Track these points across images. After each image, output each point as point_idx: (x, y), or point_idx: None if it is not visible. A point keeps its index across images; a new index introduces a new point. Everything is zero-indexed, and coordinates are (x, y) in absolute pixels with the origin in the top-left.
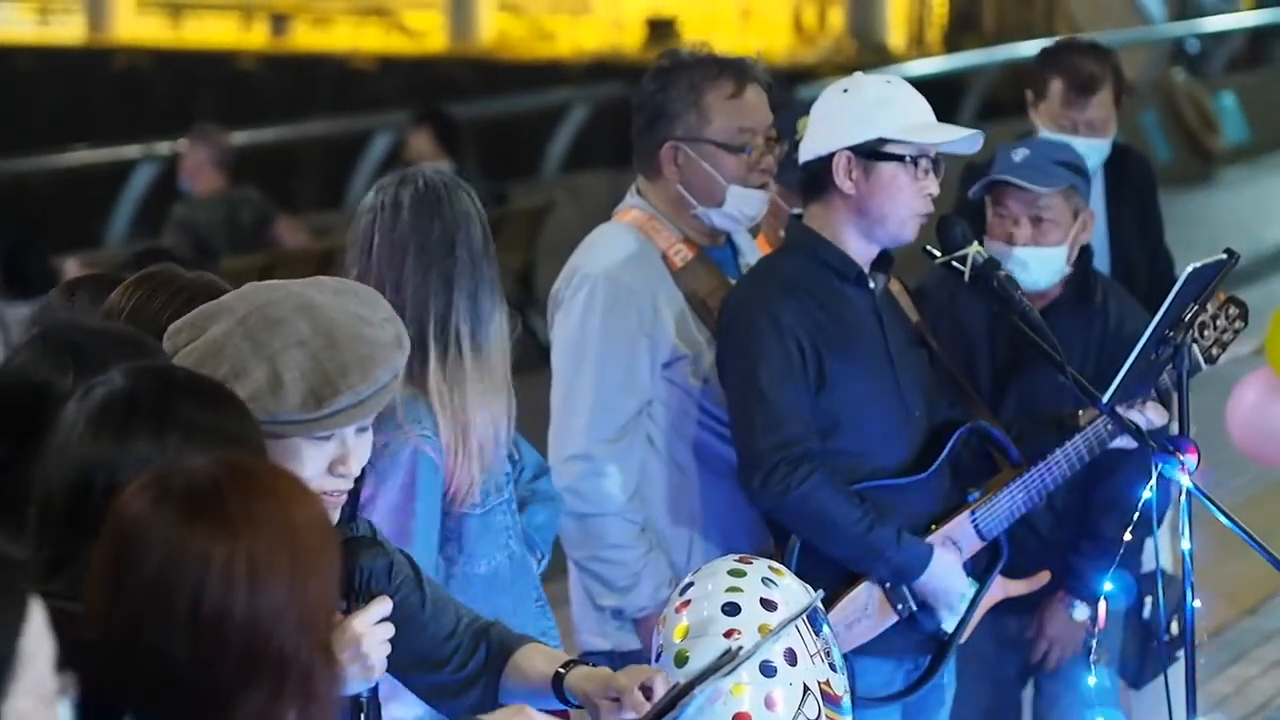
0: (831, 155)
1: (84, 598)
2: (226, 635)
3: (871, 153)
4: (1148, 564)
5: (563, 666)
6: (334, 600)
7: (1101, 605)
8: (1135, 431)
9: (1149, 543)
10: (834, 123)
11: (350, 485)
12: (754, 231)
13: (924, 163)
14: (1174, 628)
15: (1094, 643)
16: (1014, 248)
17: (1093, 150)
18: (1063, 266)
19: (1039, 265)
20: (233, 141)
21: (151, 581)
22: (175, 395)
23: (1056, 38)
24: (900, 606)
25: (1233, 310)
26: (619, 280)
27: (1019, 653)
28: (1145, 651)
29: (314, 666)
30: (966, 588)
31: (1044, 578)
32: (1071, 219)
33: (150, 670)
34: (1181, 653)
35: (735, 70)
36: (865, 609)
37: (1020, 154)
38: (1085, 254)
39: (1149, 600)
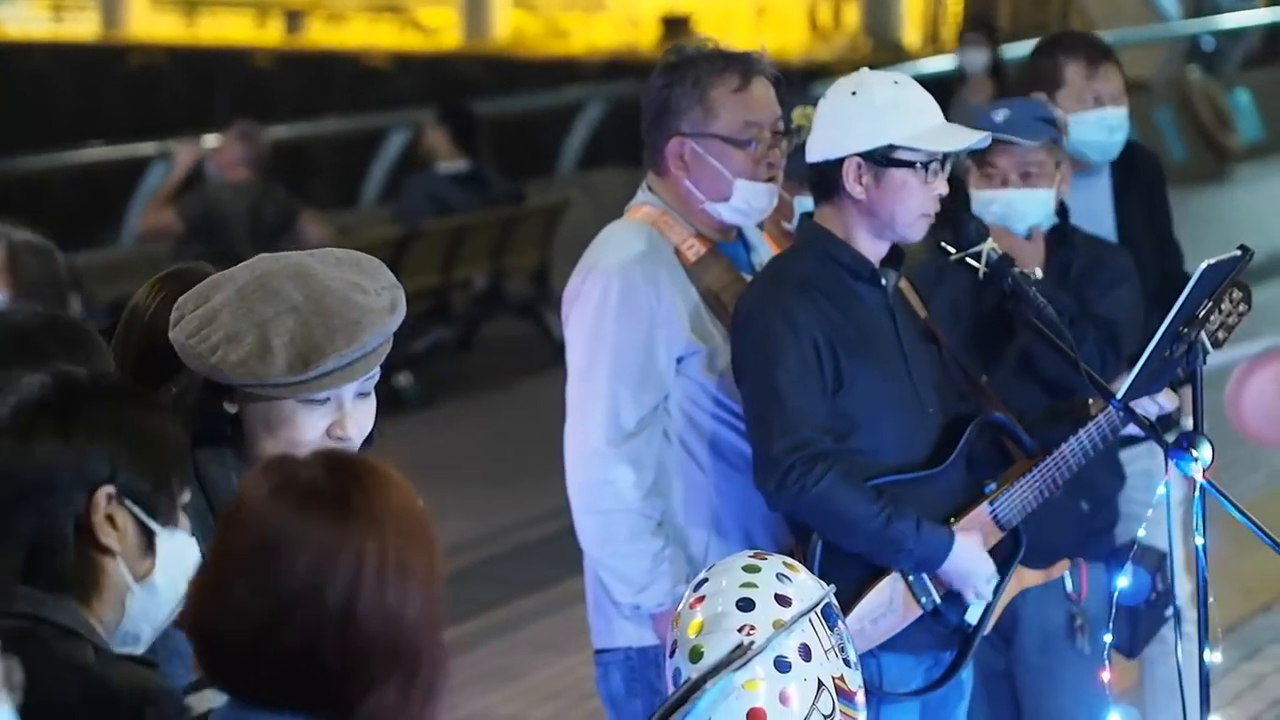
0: (841, 160)
1: (213, 600)
2: (377, 628)
3: (882, 159)
4: (1122, 537)
5: None
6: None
7: (1083, 574)
8: (1149, 427)
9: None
10: (843, 126)
11: (352, 450)
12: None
13: (933, 166)
14: (1159, 585)
15: (1076, 612)
16: (1006, 189)
17: (1122, 123)
18: (1051, 208)
19: (1030, 205)
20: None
21: (303, 582)
22: (79, 397)
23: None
24: (924, 600)
25: (1236, 294)
26: (632, 275)
27: (1004, 643)
28: (1135, 618)
29: (439, 657)
30: (992, 571)
31: (1062, 567)
32: (1054, 170)
33: (297, 666)
34: (1170, 611)
35: (741, 64)
36: (890, 604)
37: (1001, 114)
38: (1063, 209)
39: (1129, 569)
